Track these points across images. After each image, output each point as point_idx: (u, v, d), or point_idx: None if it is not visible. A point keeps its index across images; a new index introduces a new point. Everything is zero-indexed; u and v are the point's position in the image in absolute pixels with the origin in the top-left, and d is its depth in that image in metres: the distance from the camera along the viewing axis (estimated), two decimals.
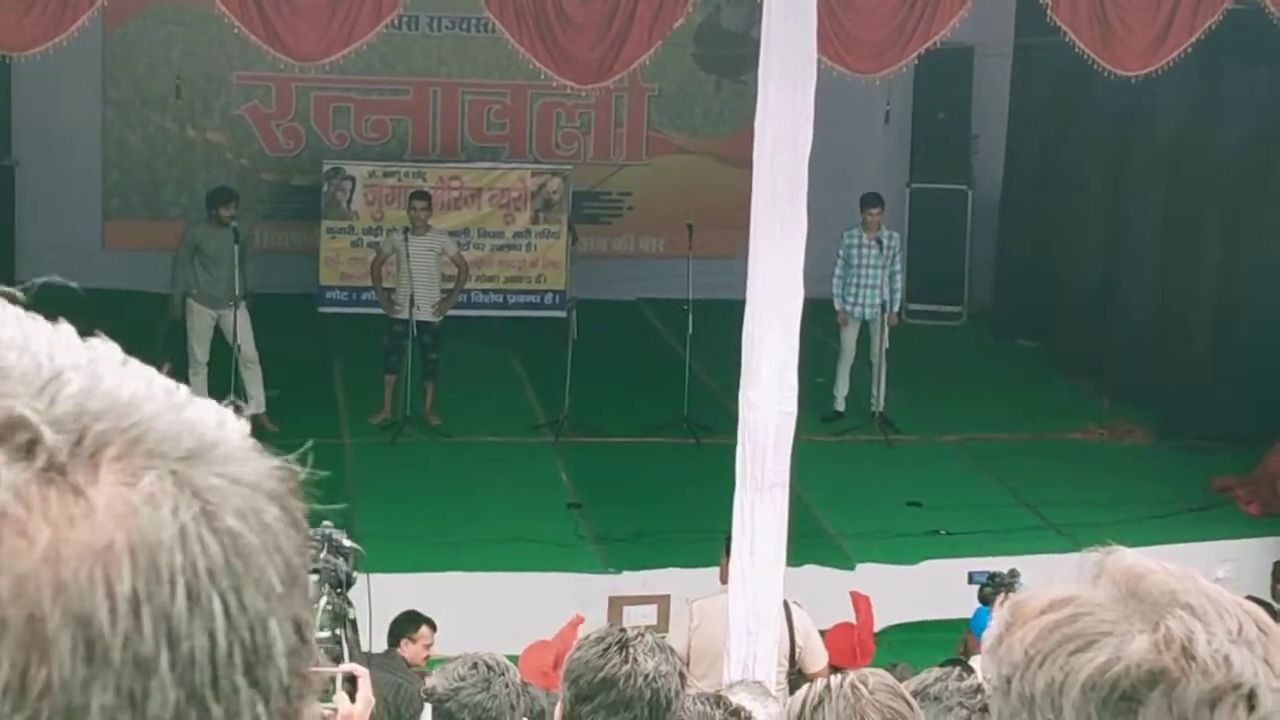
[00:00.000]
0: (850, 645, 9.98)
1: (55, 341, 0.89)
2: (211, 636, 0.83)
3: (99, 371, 0.87)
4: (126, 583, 0.81)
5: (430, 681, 4.43)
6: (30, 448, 0.83)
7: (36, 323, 0.91)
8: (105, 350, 0.90)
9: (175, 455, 0.85)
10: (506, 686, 4.40)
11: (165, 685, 0.81)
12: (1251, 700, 1.39)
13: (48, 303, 0.95)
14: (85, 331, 0.94)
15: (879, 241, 14.70)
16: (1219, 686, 1.39)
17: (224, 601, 0.83)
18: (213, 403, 0.92)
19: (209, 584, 0.83)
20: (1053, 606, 1.47)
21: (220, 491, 0.85)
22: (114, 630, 0.80)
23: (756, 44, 9.07)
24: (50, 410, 0.84)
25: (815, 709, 3.10)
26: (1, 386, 0.85)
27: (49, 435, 0.83)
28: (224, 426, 0.89)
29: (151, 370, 0.91)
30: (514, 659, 9.17)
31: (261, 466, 0.89)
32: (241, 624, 0.84)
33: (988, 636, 1.51)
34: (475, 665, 4.39)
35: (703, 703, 4.21)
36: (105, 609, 0.80)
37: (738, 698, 5.13)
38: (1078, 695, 1.40)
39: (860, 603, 10.52)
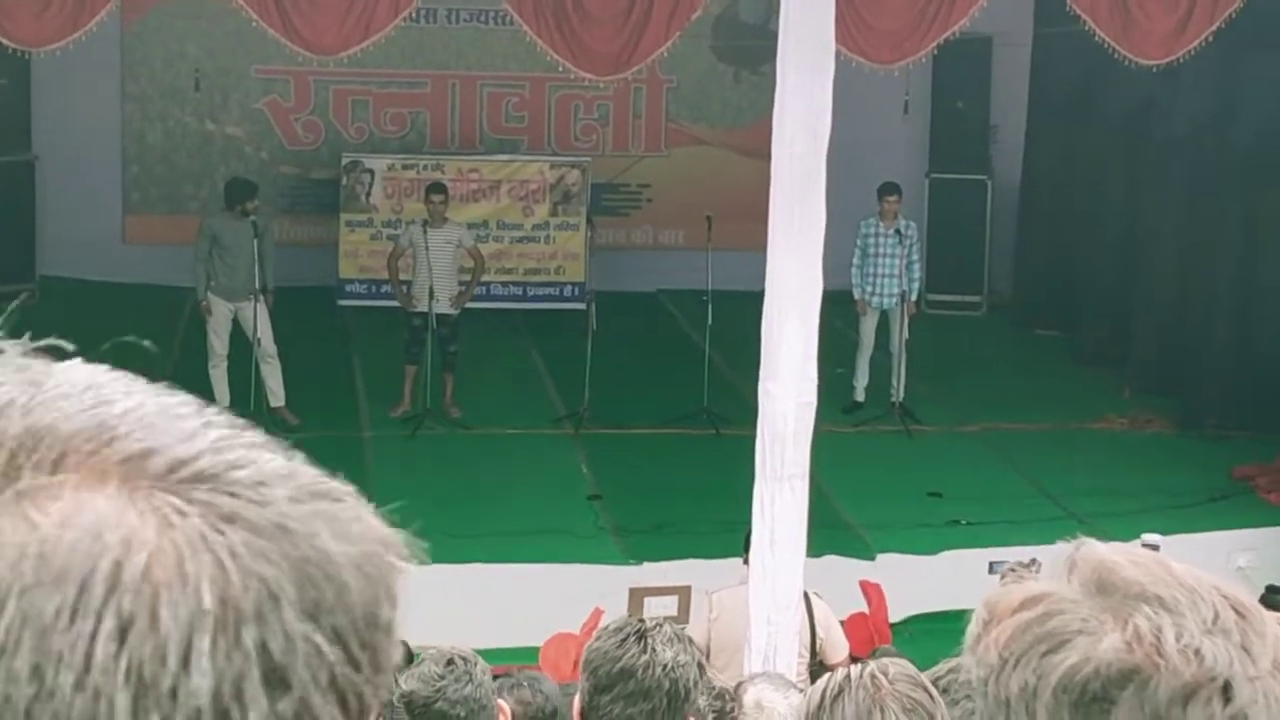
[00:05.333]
0: (867, 634, 9.99)
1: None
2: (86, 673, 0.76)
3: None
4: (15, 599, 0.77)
5: (406, 687, 4.31)
6: None
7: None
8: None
9: (158, 474, 0.80)
10: (484, 673, 4.38)
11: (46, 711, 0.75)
12: (1227, 692, 1.35)
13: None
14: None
15: (897, 231, 14.68)
16: (1191, 682, 1.35)
17: (120, 616, 0.77)
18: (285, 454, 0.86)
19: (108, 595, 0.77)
20: (1025, 605, 1.43)
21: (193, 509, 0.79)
22: None
23: (774, 35, 9.05)
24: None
25: (835, 699, 3.10)
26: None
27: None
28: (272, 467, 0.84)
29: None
30: (536, 650, 9.22)
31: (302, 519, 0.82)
32: (141, 651, 0.77)
33: (968, 634, 1.47)
34: (450, 661, 4.33)
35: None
36: None
37: (759, 688, 5.13)
38: (1050, 698, 1.37)
39: (871, 590, 10.52)
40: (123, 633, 0.76)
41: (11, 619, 0.76)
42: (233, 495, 0.81)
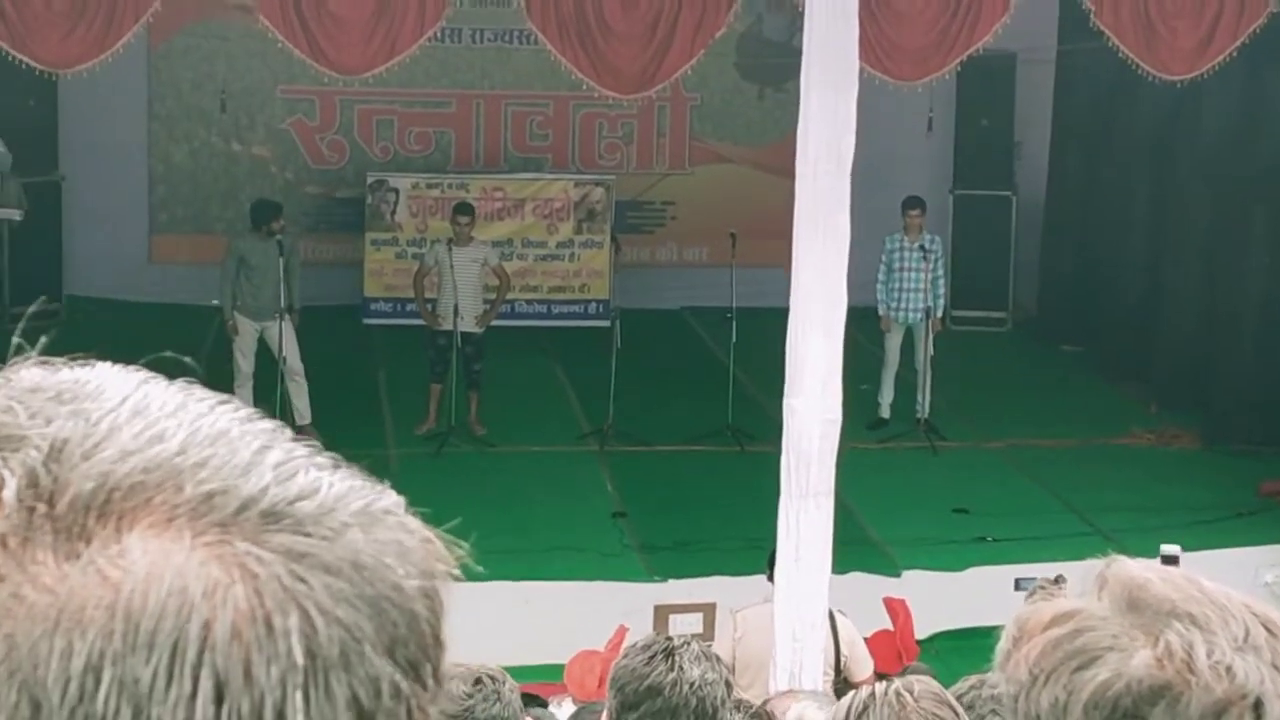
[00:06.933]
0: (893, 651, 9.96)
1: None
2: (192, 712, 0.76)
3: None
4: (85, 651, 0.76)
5: None
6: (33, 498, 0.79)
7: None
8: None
9: (228, 516, 0.80)
10: (512, 691, 4.34)
11: None
12: (1259, 709, 1.35)
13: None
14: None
15: (922, 247, 14.67)
16: (1222, 699, 1.35)
17: (216, 674, 0.77)
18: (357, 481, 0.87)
19: (200, 653, 0.77)
20: (1056, 621, 1.43)
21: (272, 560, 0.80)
22: (61, 700, 0.76)
23: (799, 53, 9.06)
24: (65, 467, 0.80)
25: (860, 716, 3.10)
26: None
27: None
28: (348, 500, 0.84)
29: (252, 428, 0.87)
30: (560, 668, 9.22)
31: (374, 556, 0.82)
32: (240, 711, 0.77)
33: (998, 651, 1.48)
34: (479, 680, 4.27)
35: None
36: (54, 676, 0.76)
37: (802, 705, 5.11)
38: (1080, 715, 1.37)
39: (896, 607, 10.50)
40: (219, 694, 0.77)
41: (108, 688, 0.76)
42: (306, 534, 0.81)
